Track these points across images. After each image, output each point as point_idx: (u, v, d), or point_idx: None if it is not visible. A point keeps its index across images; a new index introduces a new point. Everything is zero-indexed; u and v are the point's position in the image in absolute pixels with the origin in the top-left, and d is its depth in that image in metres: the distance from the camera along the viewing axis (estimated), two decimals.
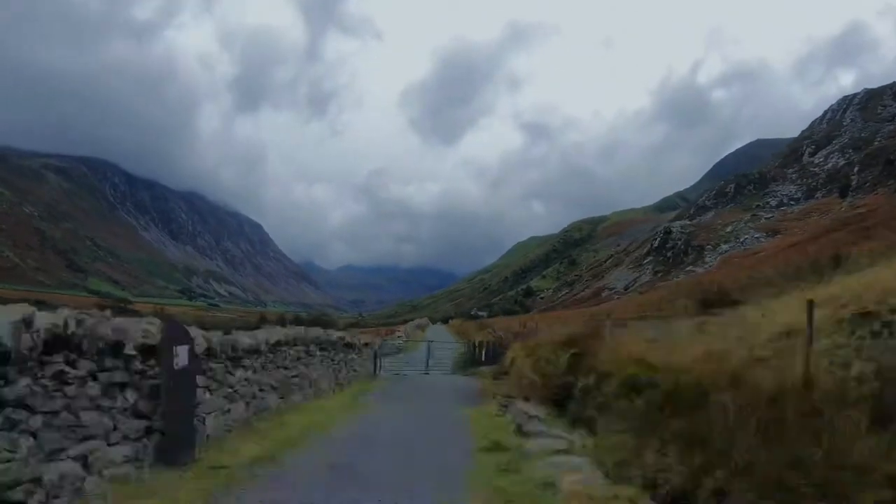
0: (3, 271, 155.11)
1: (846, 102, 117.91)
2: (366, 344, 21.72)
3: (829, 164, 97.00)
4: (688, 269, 75.64)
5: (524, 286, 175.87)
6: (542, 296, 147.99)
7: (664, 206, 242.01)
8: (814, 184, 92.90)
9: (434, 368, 25.73)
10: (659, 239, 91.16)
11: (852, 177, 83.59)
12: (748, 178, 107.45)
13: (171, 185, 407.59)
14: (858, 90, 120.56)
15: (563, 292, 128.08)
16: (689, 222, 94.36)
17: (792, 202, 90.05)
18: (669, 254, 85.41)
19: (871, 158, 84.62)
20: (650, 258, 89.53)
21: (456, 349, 32.66)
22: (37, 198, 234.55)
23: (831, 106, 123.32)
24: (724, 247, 77.87)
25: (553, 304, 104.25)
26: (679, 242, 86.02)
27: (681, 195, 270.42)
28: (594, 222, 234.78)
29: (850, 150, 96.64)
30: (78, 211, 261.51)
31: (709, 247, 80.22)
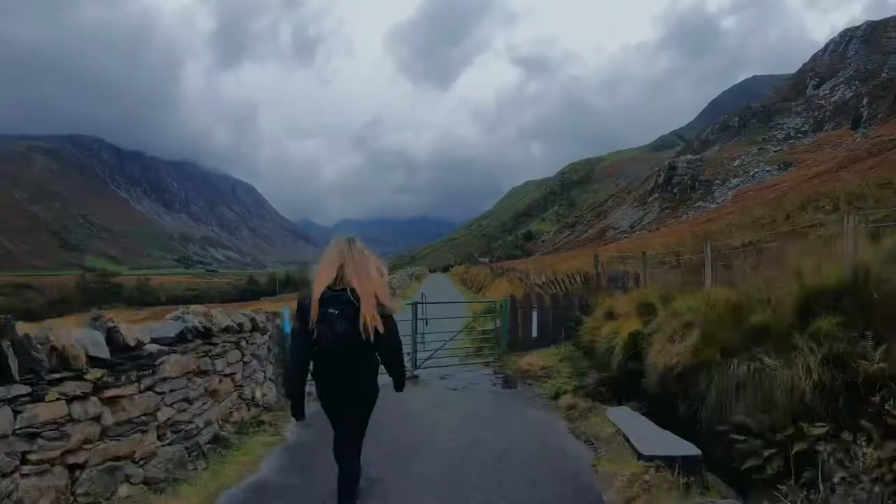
0: None
1: (848, 35, 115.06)
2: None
3: (836, 97, 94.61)
4: (697, 204, 73.49)
5: (524, 230, 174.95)
6: (542, 239, 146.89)
7: (660, 144, 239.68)
8: (821, 116, 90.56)
9: (433, 359, 11.72)
10: (663, 175, 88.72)
11: (862, 108, 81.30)
12: (752, 110, 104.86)
13: (160, 154, 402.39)
14: (860, 22, 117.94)
15: (565, 234, 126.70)
16: (694, 157, 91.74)
17: (800, 135, 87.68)
18: (675, 190, 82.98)
19: (880, 90, 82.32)
20: (655, 195, 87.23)
21: (467, 312, 17.96)
22: (25, 181, 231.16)
23: (833, 39, 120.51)
24: (735, 181, 75.58)
25: (556, 247, 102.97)
26: (685, 178, 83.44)
27: (677, 133, 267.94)
28: (591, 163, 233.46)
29: (857, 83, 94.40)
30: (68, 190, 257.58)
31: (717, 181, 77.91)
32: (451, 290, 38.62)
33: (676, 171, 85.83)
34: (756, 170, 76.16)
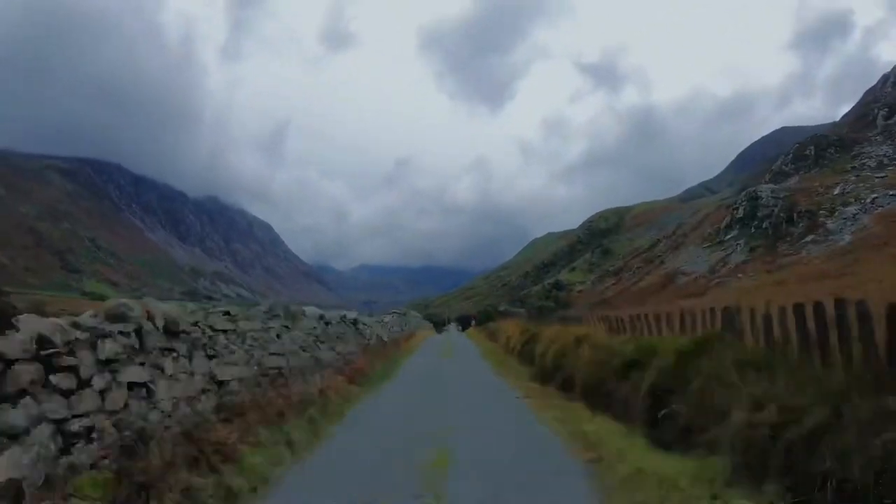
0: None
1: None
2: None
3: None
4: (808, 239, 60.18)
5: (552, 280, 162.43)
6: (578, 289, 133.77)
7: (688, 196, 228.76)
8: None
9: None
10: (743, 207, 75.10)
11: None
12: (827, 139, 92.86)
13: (178, 185, 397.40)
14: None
15: (609, 282, 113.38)
16: (776, 186, 78.81)
17: None
18: (765, 224, 69.19)
19: None
20: (734, 232, 73.62)
21: None
22: (36, 198, 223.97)
23: (889, 72, 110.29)
24: (850, 209, 62.66)
25: (608, 297, 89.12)
26: (775, 210, 69.98)
27: (705, 185, 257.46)
28: (620, 212, 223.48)
29: None
30: (80, 211, 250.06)
31: (822, 212, 64.98)
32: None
33: (760, 201, 72.27)
34: (874, 195, 63.34)
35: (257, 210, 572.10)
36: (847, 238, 54.93)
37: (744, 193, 79.39)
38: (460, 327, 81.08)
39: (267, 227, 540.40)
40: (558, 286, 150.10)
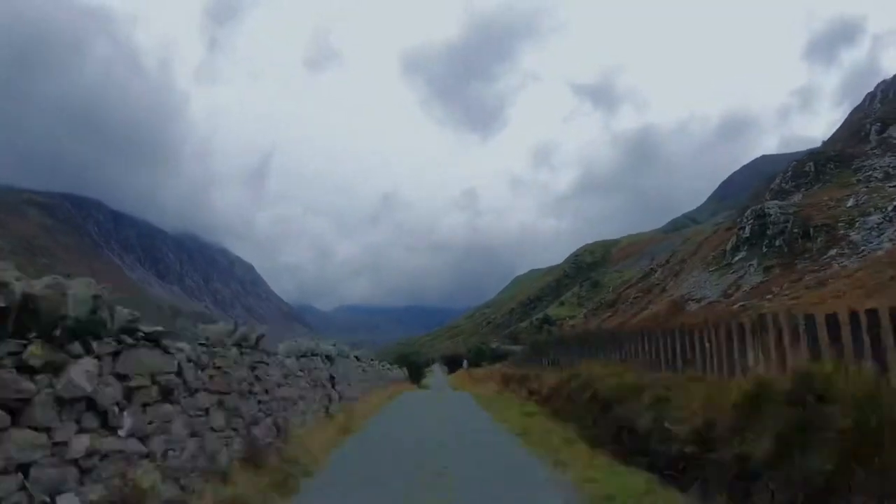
0: None
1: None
2: None
3: None
4: (830, 254, 56.55)
5: (540, 315, 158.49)
6: (570, 323, 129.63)
7: (672, 228, 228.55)
8: None
9: None
10: (749, 227, 71.25)
11: None
12: (825, 155, 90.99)
13: (158, 222, 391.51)
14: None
15: (605, 315, 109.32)
16: (783, 202, 75.55)
17: None
18: (778, 242, 65.13)
19: None
20: (743, 253, 69.56)
21: None
22: (12, 232, 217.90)
23: (878, 86, 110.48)
24: (873, 219, 59.58)
25: (613, 328, 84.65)
26: (788, 225, 66.25)
27: (689, 216, 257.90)
28: (606, 245, 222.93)
29: None
30: (57, 247, 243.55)
31: (840, 224, 61.68)
32: None
33: (769, 218, 68.39)
34: (895, 202, 60.42)
35: (239, 249, 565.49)
36: (886, 245, 51.61)
37: (749, 212, 75.45)
38: (446, 368, 71.20)
39: (248, 267, 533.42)
40: (548, 321, 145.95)
